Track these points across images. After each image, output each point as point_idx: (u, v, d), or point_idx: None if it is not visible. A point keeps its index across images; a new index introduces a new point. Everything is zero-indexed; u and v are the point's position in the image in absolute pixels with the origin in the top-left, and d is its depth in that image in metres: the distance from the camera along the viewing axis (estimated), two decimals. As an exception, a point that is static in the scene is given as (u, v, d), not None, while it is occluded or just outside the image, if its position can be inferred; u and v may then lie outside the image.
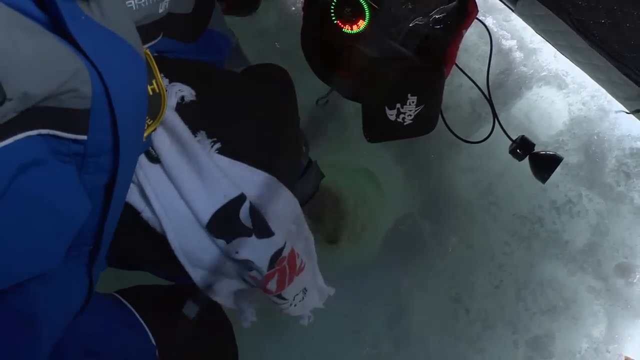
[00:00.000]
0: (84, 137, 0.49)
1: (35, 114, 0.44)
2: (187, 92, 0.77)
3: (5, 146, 0.42)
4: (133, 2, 0.60)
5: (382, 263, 1.52)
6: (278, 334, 1.45)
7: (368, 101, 0.98)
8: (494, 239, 1.55)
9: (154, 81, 0.64)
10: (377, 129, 1.01)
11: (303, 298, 0.90)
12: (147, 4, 0.62)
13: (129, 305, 0.81)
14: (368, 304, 1.51)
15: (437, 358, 1.51)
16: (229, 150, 0.77)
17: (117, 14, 0.53)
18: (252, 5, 1.20)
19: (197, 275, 0.79)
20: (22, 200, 0.46)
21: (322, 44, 0.99)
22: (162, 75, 0.74)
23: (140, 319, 0.80)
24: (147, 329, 0.79)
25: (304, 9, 0.98)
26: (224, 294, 0.86)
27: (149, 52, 0.64)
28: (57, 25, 0.46)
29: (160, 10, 0.67)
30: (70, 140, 0.49)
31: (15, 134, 0.43)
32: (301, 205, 1.07)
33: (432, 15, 0.90)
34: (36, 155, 0.46)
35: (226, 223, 0.76)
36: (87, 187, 0.53)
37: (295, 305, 0.90)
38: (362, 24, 0.90)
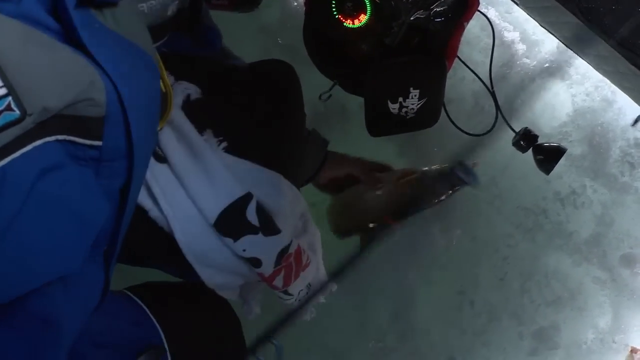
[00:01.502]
0: (99, 143, 0.50)
1: (52, 122, 0.46)
2: (193, 90, 0.77)
3: (25, 152, 0.44)
4: (145, 5, 0.60)
5: (387, 256, 1.52)
6: (282, 327, 1.45)
7: (370, 95, 0.98)
8: (498, 231, 1.55)
9: (160, 81, 0.65)
10: (380, 123, 1.01)
11: (307, 293, 0.91)
12: (158, 6, 0.62)
13: (139, 302, 0.82)
14: (373, 297, 1.52)
15: (442, 351, 1.52)
16: (236, 148, 0.77)
17: (129, 20, 0.54)
18: (254, 1, 1.20)
19: (204, 273, 0.80)
20: (45, 204, 0.47)
21: (324, 39, 0.99)
22: (168, 72, 0.74)
23: (152, 316, 0.81)
24: (158, 326, 0.80)
25: (305, 4, 0.98)
26: (230, 289, 0.87)
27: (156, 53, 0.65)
28: (70, 35, 0.47)
29: (169, 13, 0.67)
30: (87, 146, 0.50)
31: (34, 140, 0.44)
32: (308, 180, 1.07)
33: (433, 9, 0.90)
34: (55, 160, 0.47)
35: (233, 221, 0.76)
36: (103, 189, 0.54)
37: (299, 300, 0.91)
38: (363, 18, 0.90)
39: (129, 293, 0.84)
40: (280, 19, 1.55)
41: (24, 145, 0.44)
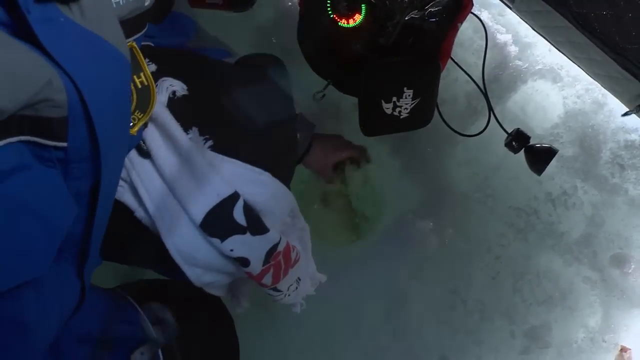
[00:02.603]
0: (65, 144, 0.49)
1: (12, 123, 0.44)
2: (179, 87, 0.76)
3: None
4: None
5: (379, 255, 1.53)
6: (275, 326, 1.46)
7: (364, 95, 0.99)
8: (491, 231, 1.56)
9: (141, 74, 0.63)
10: (374, 123, 1.01)
11: (297, 287, 0.91)
12: None
13: (132, 300, 0.82)
14: (366, 296, 1.52)
15: (435, 349, 1.52)
16: (222, 147, 0.76)
17: (99, 13, 0.51)
18: (248, 1, 1.21)
19: (192, 273, 0.79)
20: (8, 206, 0.45)
21: (318, 39, 1.00)
22: (151, 62, 0.73)
23: (142, 313, 0.81)
24: (149, 322, 0.80)
25: (300, 3, 0.98)
26: (218, 287, 0.87)
27: (134, 45, 0.63)
28: (25, 31, 0.45)
29: (146, 3, 0.64)
30: (52, 147, 0.49)
31: None
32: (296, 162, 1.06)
33: (427, 9, 0.91)
34: (19, 162, 0.46)
35: (220, 222, 0.75)
36: (73, 191, 0.53)
37: (289, 295, 0.90)
38: (358, 18, 0.91)
39: (122, 291, 0.84)
40: (275, 19, 1.55)
41: None
